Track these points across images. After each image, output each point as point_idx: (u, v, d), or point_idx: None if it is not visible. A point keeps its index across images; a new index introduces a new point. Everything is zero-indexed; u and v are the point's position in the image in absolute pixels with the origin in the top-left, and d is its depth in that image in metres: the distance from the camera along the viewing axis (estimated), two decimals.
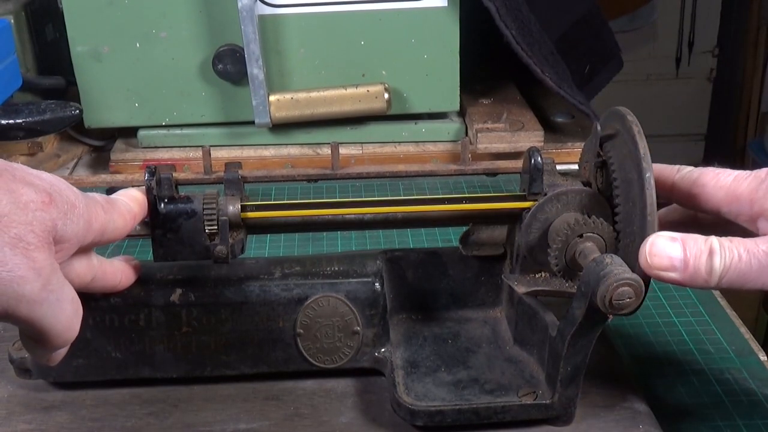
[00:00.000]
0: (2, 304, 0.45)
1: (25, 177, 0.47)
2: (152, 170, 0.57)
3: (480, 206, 0.60)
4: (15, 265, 0.45)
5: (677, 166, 0.58)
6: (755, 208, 0.53)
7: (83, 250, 0.52)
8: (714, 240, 0.51)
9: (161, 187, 0.58)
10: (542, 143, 1.01)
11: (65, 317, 0.49)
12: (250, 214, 0.59)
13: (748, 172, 0.55)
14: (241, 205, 0.59)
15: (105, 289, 0.58)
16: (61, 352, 0.52)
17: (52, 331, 0.49)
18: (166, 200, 0.58)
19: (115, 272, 0.58)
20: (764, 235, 0.52)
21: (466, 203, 0.60)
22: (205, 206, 0.58)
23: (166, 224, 0.58)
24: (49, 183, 0.49)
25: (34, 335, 0.49)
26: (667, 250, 0.51)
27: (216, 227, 0.58)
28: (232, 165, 0.61)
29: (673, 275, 0.52)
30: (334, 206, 0.60)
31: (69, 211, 0.49)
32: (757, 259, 0.50)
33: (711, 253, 0.51)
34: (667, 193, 0.59)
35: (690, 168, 0.58)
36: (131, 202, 0.56)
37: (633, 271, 0.51)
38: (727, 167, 0.57)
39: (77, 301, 0.51)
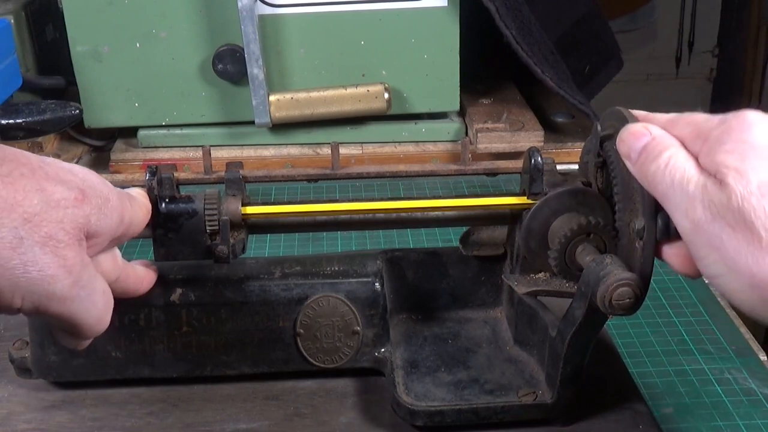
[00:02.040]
0: (33, 303, 0.45)
1: (58, 173, 0.47)
2: (153, 170, 0.57)
3: (480, 206, 0.60)
4: (45, 264, 0.45)
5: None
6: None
7: (111, 244, 0.52)
8: (671, 151, 0.48)
9: (162, 186, 0.58)
10: (542, 143, 1.01)
11: (96, 310, 0.49)
12: (251, 214, 0.59)
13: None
14: (243, 205, 0.59)
15: (126, 293, 0.57)
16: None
17: (84, 324, 0.49)
18: (167, 200, 0.58)
19: (138, 276, 0.57)
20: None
21: (466, 203, 0.60)
22: (206, 206, 0.58)
23: (167, 224, 0.58)
24: (82, 179, 0.48)
25: (65, 329, 0.49)
26: (633, 142, 0.51)
27: (217, 227, 0.58)
28: (233, 165, 0.61)
29: (629, 163, 0.51)
30: (334, 206, 0.60)
31: (103, 205, 0.49)
32: (684, 187, 0.46)
33: (657, 158, 0.48)
34: None
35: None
36: (142, 198, 0.56)
37: (632, 271, 0.51)
38: None
39: (108, 293, 0.50)
